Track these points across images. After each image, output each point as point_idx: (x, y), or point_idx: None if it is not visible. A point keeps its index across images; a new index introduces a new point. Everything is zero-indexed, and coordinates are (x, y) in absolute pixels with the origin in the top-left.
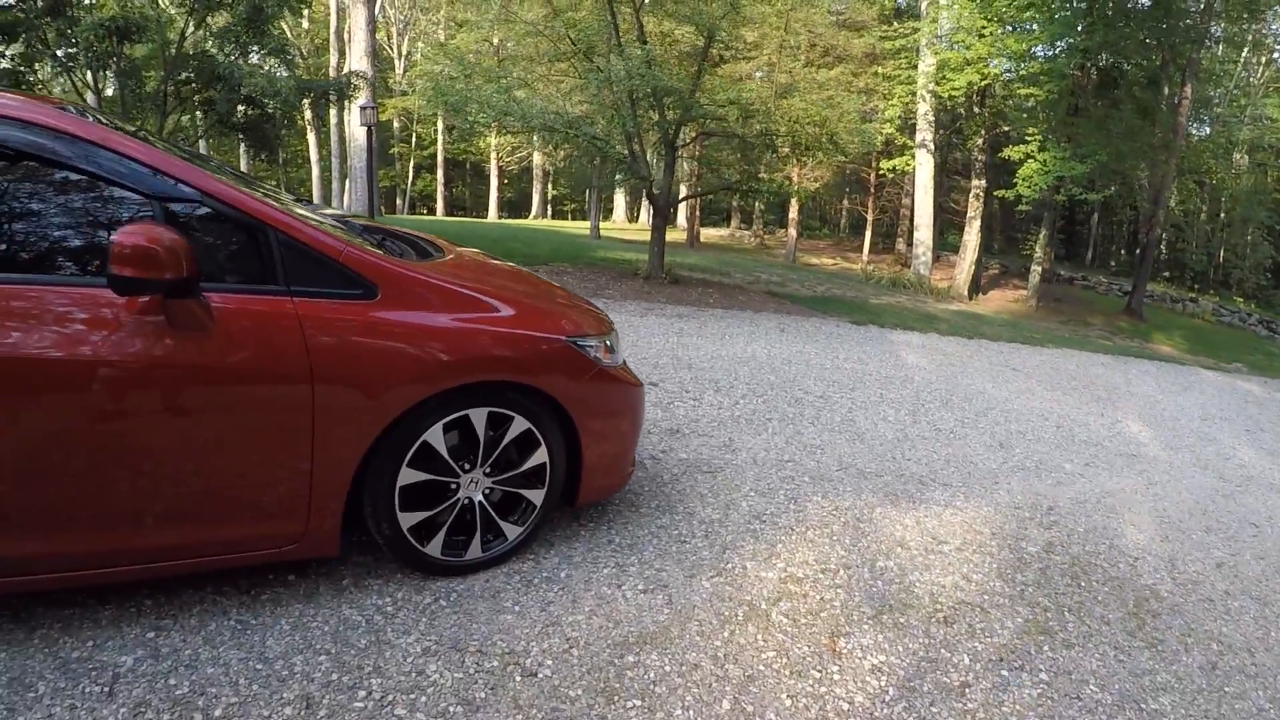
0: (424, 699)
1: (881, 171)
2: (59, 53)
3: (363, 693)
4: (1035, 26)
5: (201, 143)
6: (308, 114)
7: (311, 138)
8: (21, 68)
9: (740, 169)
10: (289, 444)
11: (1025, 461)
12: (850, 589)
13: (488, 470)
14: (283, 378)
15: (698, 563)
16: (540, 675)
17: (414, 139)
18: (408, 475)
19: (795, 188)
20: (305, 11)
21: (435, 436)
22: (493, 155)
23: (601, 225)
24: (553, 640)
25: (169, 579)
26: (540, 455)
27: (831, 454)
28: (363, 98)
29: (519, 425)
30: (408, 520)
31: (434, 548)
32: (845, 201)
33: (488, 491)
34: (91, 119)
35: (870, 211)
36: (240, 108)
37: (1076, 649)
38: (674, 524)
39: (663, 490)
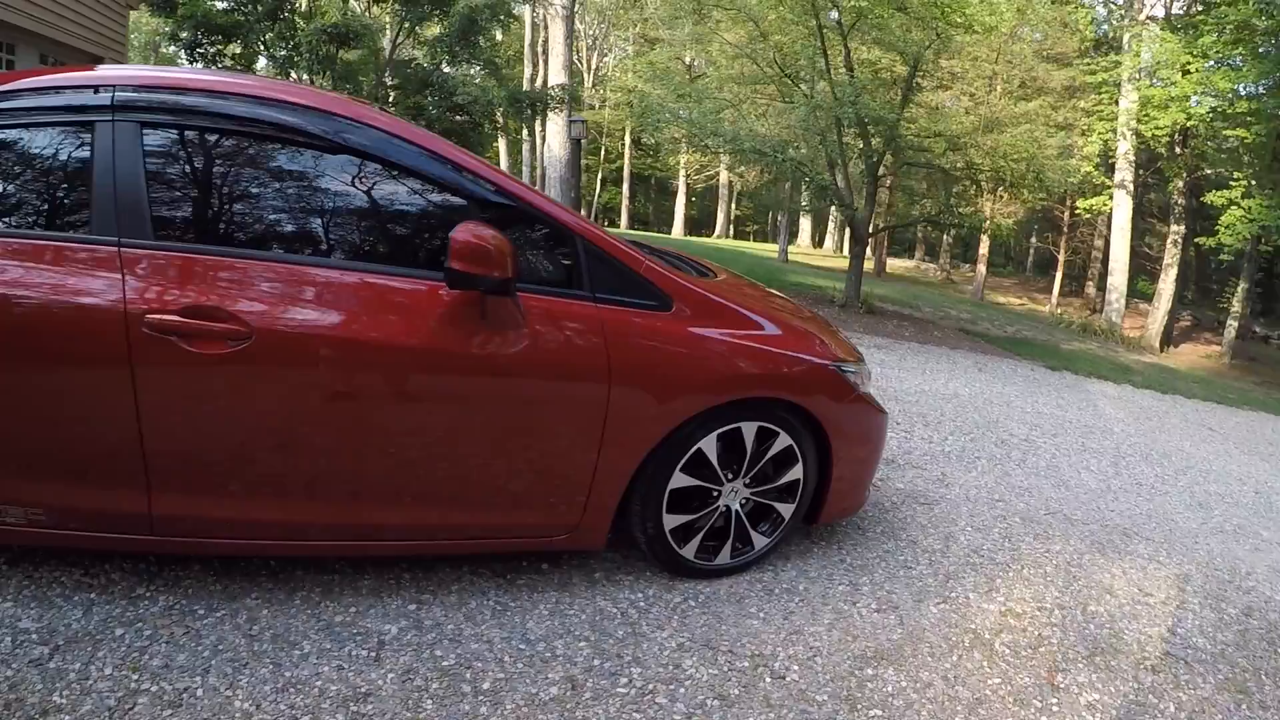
0: (682, 690)
1: (1077, 211)
2: (278, 54)
3: (624, 679)
4: (1241, 63)
5: None
6: (500, 123)
7: (501, 145)
8: (239, 66)
9: (939, 202)
10: (581, 441)
11: (1224, 524)
12: (1065, 628)
13: (747, 481)
14: (584, 379)
15: (924, 589)
16: (788, 678)
17: (602, 152)
18: (678, 480)
19: (993, 223)
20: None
21: (709, 445)
22: (681, 172)
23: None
24: (797, 648)
25: (429, 557)
26: (796, 472)
27: (1039, 497)
28: (565, 111)
29: (782, 441)
30: (671, 522)
31: (689, 550)
32: (1033, 239)
33: (744, 501)
34: (414, 124)
35: (1062, 252)
36: (449, 114)
37: (1272, 711)
38: (899, 550)
39: (885, 517)
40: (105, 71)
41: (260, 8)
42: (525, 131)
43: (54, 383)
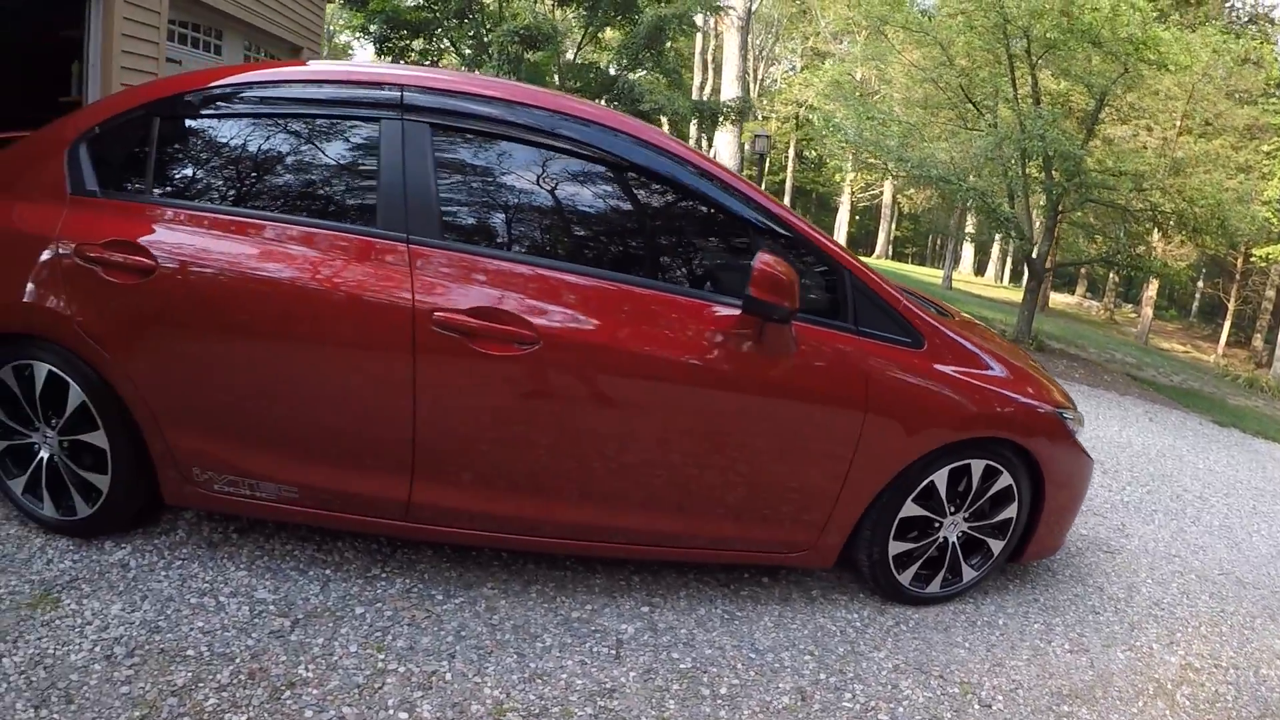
0: (901, 710)
1: (1252, 258)
2: (465, 51)
3: (849, 695)
4: None
5: None
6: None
7: None
8: (425, 62)
9: (1117, 242)
10: (831, 465)
11: None
12: (1239, 687)
13: (966, 515)
14: (842, 406)
15: (1111, 635)
16: (994, 708)
17: (765, 163)
18: (908, 509)
19: (1165, 266)
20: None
21: (940, 479)
22: (846, 189)
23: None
24: (1000, 679)
25: (656, 561)
26: (1011, 510)
27: (1212, 556)
28: (738, 122)
29: (1003, 480)
30: (895, 549)
31: (905, 577)
32: (1200, 283)
33: (960, 535)
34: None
35: (1232, 300)
36: None
37: None
38: (1086, 595)
39: (1072, 561)
40: (392, 71)
41: (450, 6)
42: (702, 142)
43: (332, 368)
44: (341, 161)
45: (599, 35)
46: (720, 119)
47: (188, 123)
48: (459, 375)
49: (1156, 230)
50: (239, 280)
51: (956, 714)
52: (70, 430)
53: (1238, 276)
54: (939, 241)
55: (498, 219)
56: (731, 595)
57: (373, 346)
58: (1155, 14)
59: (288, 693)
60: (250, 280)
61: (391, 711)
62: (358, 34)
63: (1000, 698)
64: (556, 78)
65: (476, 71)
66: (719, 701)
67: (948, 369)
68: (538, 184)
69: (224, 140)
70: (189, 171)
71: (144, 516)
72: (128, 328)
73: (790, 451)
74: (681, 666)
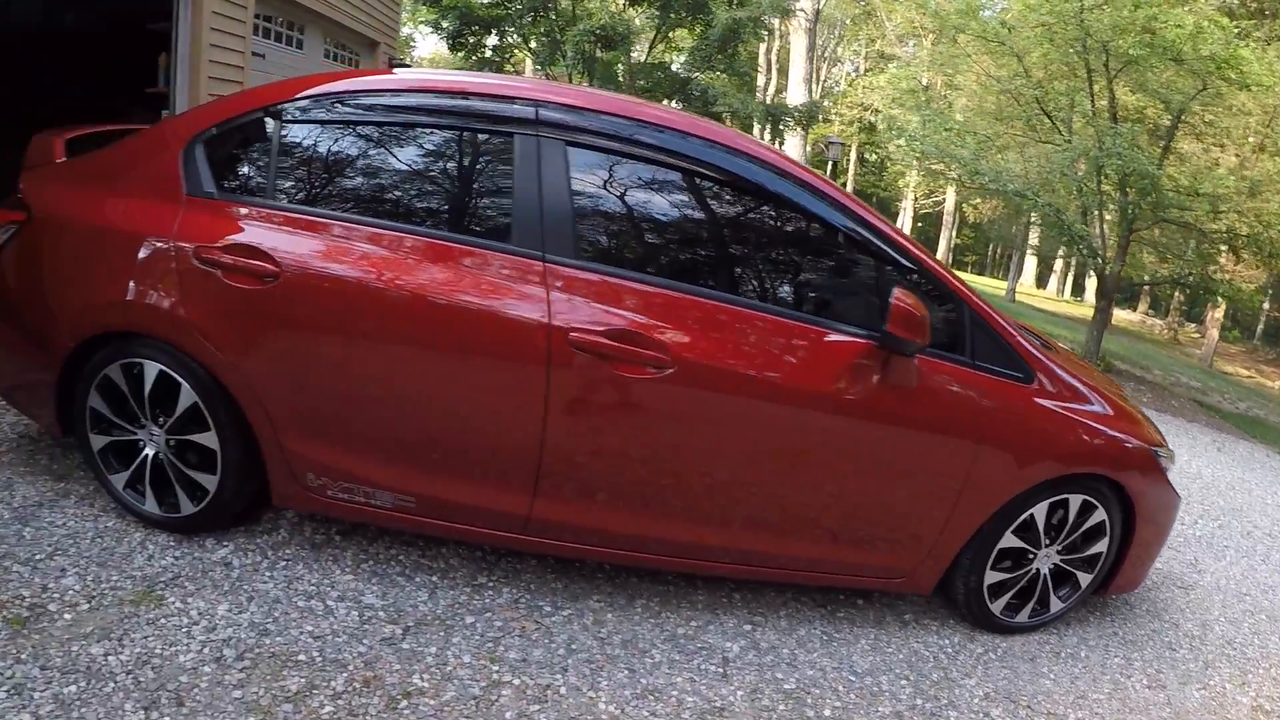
0: None
1: None
2: (539, 49)
3: None
4: None
5: None
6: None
7: None
8: (497, 58)
9: (1191, 264)
10: (942, 494)
11: None
12: None
13: (1060, 549)
14: (956, 437)
15: (1187, 672)
16: None
17: (828, 166)
18: (1007, 540)
19: (1242, 291)
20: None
21: (1040, 511)
22: (910, 194)
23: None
24: (1083, 712)
25: (755, 580)
26: (1102, 545)
27: None
28: (803, 126)
29: (1098, 515)
30: (990, 578)
31: (997, 606)
32: (1266, 305)
33: (1051, 567)
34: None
35: None
36: None
37: None
38: (1163, 630)
39: (1148, 596)
40: (527, 85)
41: (524, 3)
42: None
43: (461, 383)
44: (472, 176)
45: (669, 36)
46: (792, 123)
47: (311, 127)
48: (591, 395)
49: (1229, 252)
50: (366, 290)
51: None
52: (179, 430)
53: None
54: (999, 251)
55: (632, 240)
56: (828, 616)
57: (507, 363)
58: (1235, 30)
59: (404, 702)
60: (378, 290)
61: None
62: (430, 30)
63: None
64: (626, 77)
65: (549, 70)
66: None
67: (1055, 404)
68: (671, 207)
69: (348, 147)
70: (311, 177)
71: (244, 514)
72: (247, 332)
73: (904, 480)
74: (786, 687)
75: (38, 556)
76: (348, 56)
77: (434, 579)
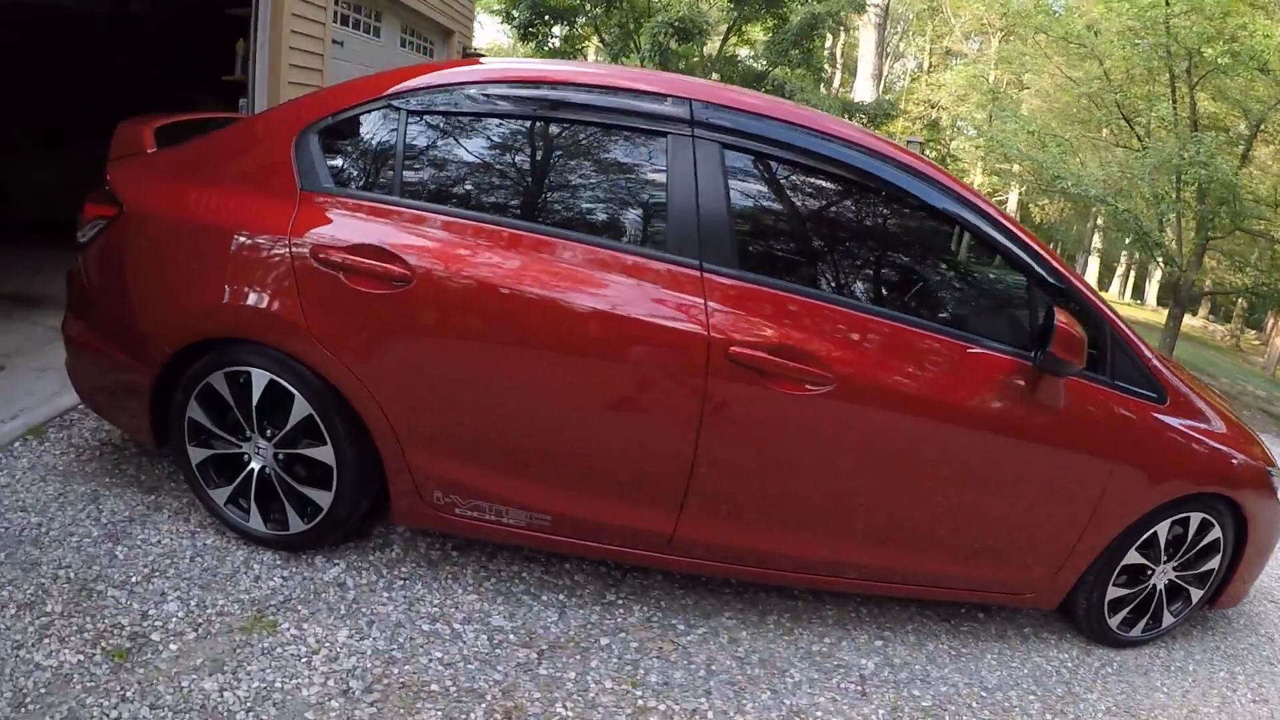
0: None
1: None
2: (611, 40)
3: None
4: None
5: None
6: None
7: None
8: (567, 49)
9: (1263, 273)
10: (1077, 511)
11: None
12: None
13: (1176, 565)
14: (1094, 456)
15: None
16: None
17: None
18: (1131, 557)
19: None
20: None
21: (1163, 529)
22: None
23: None
24: None
25: (881, 595)
26: (1215, 561)
27: None
28: (877, 123)
29: (1214, 533)
30: (1111, 594)
31: (1114, 621)
32: None
33: (1167, 583)
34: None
35: None
36: None
37: None
38: (1260, 645)
39: (1244, 610)
40: (679, 81)
41: None
42: None
43: (607, 397)
44: (621, 176)
45: (742, 29)
46: (865, 119)
47: (440, 119)
48: (748, 411)
49: None
50: (506, 297)
51: None
52: (290, 443)
53: None
54: (1060, 252)
55: (790, 250)
56: (953, 631)
57: (660, 378)
58: None
59: None
60: (521, 297)
61: None
62: (501, 19)
63: None
64: (701, 70)
65: (622, 61)
66: None
67: (1184, 424)
68: (829, 217)
69: (479, 142)
70: (440, 173)
71: (353, 529)
72: (374, 341)
73: (1043, 497)
74: (924, 704)
75: (134, 579)
76: (423, 45)
77: (561, 597)
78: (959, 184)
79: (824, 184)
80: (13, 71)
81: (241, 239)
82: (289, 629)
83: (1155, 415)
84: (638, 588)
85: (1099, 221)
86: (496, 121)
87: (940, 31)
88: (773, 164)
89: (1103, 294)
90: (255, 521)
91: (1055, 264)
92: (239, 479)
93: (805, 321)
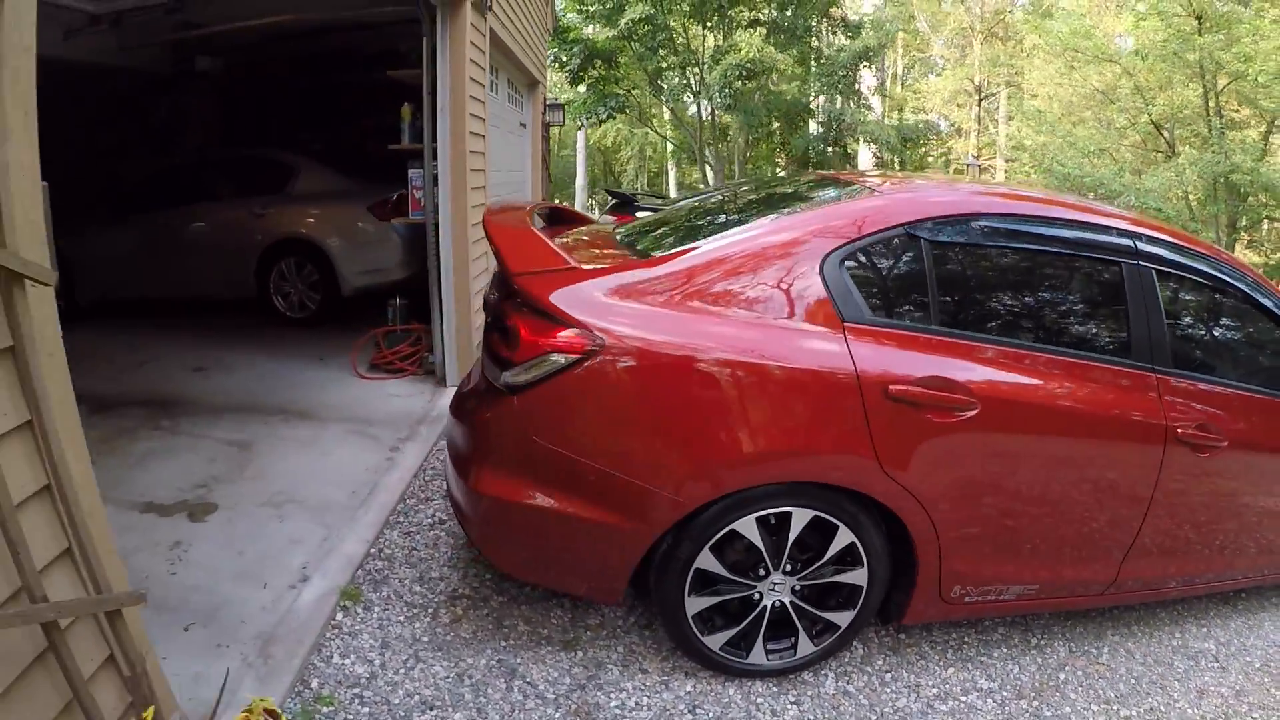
0: None
1: None
2: (665, 85)
3: None
4: None
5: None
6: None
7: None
8: (612, 88)
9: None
10: None
11: None
12: None
13: None
14: None
15: None
16: None
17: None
18: None
19: None
20: None
21: None
22: None
23: None
24: None
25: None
26: None
27: None
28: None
29: None
30: None
31: None
32: None
33: None
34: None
35: None
36: (826, 147)
37: None
38: None
39: None
40: (1118, 215)
41: (655, 38)
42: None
43: (1097, 482)
44: (1088, 298)
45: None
46: (915, 140)
47: (952, 248)
48: (1184, 474)
49: None
50: (1043, 413)
51: None
52: (818, 574)
53: None
54: None
55: (1194, 347)
56: (1237, 609)
57: (1129, 459)
58: None
59: None
60: (1051, 412)
61: None
62: (552, 65)
63: None
64: (764, 109)
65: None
66: None
67: None
68: (1206, 317)
69: (986, 270)
70: (966, 300)
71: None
72: (936, 466)
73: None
74: (1255, 665)
75: None
76: (517, 97)
77: (1003, 650)
78: (1257, 274)
79: (1213, 295)
80: (76, 135)
81: (793, 375)
82: None
83: None
84: (1046, 629)
85: None
86: (995, 252)
87: (912, 44)
88: (1184, 282)
89: None
90: (758, 656)
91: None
92: (747, 620)
93: (1213, 401)
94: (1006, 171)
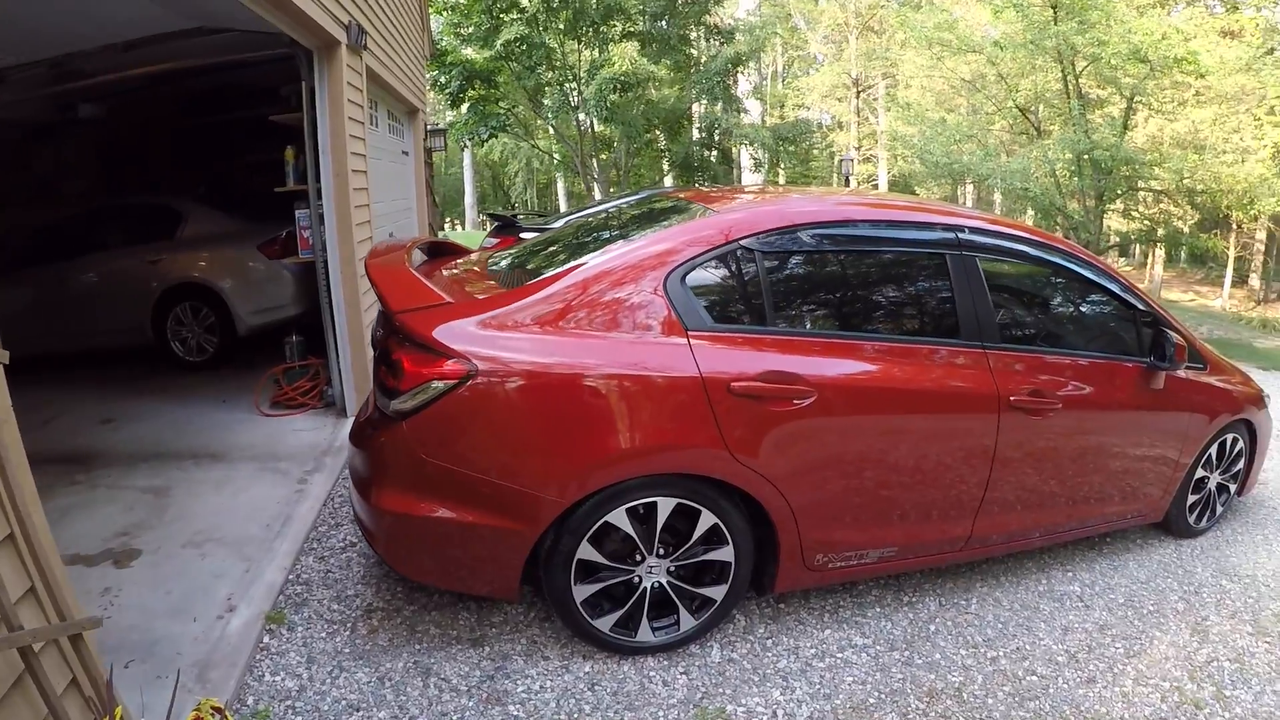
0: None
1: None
2: (545, 101)
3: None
4: None
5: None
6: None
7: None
8: (500, 111)
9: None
10: (1175, 448)
11: None
12: None
13: (1220, 471)
14: (1178, 411)
15: None
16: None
17: (850, 183)
18: (1198, 473)
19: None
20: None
21: (1213, 449)
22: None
23: None
24: (1264, 570)
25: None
26: (1241, 464)
27: None
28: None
29: (1240, 444)
30: (1190, 500)
31: (1192, 519)
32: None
33: (1216, 485)
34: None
35: (1232, 249)
36: (706, 152)
37: None
38: (1270, 512)
39: (1251, 496)
40: (939, 209)
41: (525, 57)
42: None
43: (940, 450)
44: (916, 287)
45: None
46: (788, 144)
47: (781, 256)
48: (1023, 436)
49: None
50: (876, 392)
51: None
52: (689, 554)
53: (1235, 228)
54: None
55: (1020, 322)
56: (1103, 553)
57: (972, 427)
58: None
59: (951, 697)
60: (882, 391)
61: None
62: (431, 87)
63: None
64: (642, 118)
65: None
66: None
67: (1218, 379)
68: (1037, 295)
69: (812, 272)
70: (800, 301)
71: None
72: (784, 449)
73: (1158, 443)
74: (1120, 600)
75: None
76: (398, 126)
77: (878, 610)
78: (1095, 258)
79: (1034, 271)
80: None
81: (653, 383)
82: (736, 710)
83: (1205, 377)
84: (917, 588)
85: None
86: (817, 256)
87: (790, 40)
88: (1004, 264)
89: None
90: (644, 634)
91: (1146, 298)
92: (630, 602)
93: (1043, 371)
94: (888, 162)
